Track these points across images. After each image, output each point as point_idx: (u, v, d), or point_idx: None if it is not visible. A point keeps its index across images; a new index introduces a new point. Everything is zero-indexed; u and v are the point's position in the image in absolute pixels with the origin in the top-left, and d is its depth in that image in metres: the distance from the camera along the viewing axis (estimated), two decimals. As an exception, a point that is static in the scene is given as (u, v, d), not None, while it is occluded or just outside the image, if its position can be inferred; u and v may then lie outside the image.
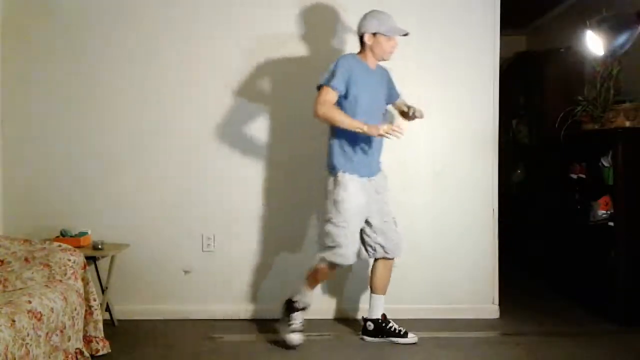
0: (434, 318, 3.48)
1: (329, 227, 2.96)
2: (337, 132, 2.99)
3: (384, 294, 3.15)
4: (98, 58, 3.52)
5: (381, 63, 3.10)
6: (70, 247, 2.88)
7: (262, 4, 3.52)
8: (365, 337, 3.16)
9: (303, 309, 3.08)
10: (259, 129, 3.54)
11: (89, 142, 3.53)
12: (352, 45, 3.26)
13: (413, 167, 3.50)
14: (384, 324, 3.12)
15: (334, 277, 3.25)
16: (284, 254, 3.56)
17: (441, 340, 3.14)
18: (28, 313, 2.28)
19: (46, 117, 3.53)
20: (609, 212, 3.54)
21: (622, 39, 2.68)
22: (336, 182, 2.97)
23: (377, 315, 3.14)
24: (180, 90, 3.53)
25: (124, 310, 3.46)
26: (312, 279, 3.07)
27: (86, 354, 2.73)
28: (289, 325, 3.04)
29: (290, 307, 3.08)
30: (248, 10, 3.52)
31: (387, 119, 3.24)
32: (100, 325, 2.88)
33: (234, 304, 3.53)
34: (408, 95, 3.24)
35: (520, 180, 5.14)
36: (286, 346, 3.01)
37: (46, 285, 2.59)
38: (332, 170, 3.01)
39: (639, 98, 3.58)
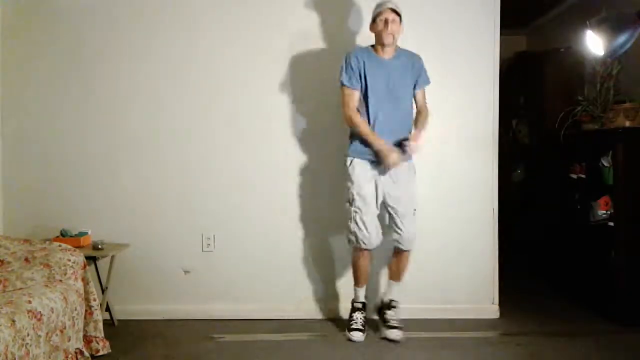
0: (434, 318, 3.47)
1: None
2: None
3: (396, 281, 3.26)
4: (98, 58, 3.52)
5: (401, 44, 3.18)
6: (70, 247, 2.88)
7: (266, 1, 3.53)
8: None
9: (358, 309, 3.22)
10: (259, 129, 3.53)
11: (89, 142, 3.53)
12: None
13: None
14: (385, 307, 3.24)
15: (367, 262, 3.24)
16: (284, 253, 3.55)
17: (441, 340, 3.14)
18: (28, 313, 2.28)
19: (46, 117, 3.53)
20: (609, 212, 3.53)
21: (622, 39, 2.68)
22: (345, 169, 3.14)
23: (386, 298, 3.26)
24: (179, 90, 3.53)
25: (124, 310, 3.46)
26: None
27: (86, 354, 2.74)
28: (350, 324, 3.18)
29: (351, 307, 3.26)
30: (249, 9, 3.53)
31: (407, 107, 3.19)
32: (100, 325, 2.88)
33: (234, 304, 3.53)
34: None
35: (520, 180, 5.14)
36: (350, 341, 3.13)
37: (46, 285, 2.59)
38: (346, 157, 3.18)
39: (639, 98, 3.58)
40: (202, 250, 3.55)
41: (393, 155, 3.00)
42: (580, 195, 3.91)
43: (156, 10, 3.52)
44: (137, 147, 3.53)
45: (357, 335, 3.12)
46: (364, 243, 3.10)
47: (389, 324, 3.14)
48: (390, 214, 3.15)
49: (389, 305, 3.22)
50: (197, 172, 3.54)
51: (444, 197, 3.53)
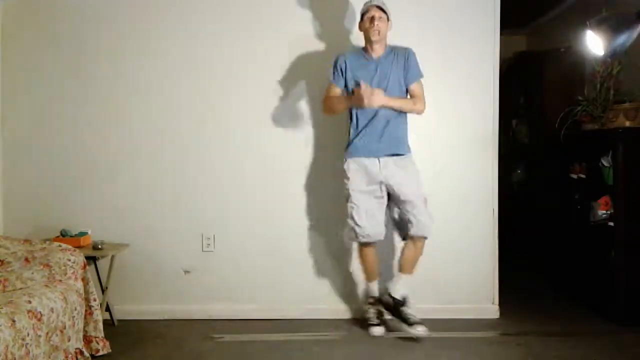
0: (434, 318, 3.46)
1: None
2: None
3: (406, 273, 3.16)
4: (98, 59, 3.52)
5: (401, 44, 3.18)
6: (70, 247, 2.88)
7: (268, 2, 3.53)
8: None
9: (370, 303, 3.24)
10: (258, 129, 3.53)
11: (88, 142, 3.53)
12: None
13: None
14: (398, 306, 3.15)
15: (372, 257, 3.24)
16: (284, 253, 3.55)
17: (441, 340, 3.13)
18: (28, 313, 2.28)
19: (46, 117, 3.53)
20: (609, 212, 3.53)
21: (622, 39, 2.68)
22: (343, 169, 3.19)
23: (396, 294, 3.15)
24: (179, 91, 3.53)
25: (124, 310, 3.46)
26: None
27: (86, 354, 2.74)
28: (368, 320, 3.22)
29: (367, 302, 3.30)
30: (250, 9, 3.53)
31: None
32: (100, 325, 2.89)
33: (234, 304, 3.53)
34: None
35: (520, 180, 5.14)
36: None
37: (46, 285, 2.59)
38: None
39: (639, 98, 3.58)
40: (202, 250, 3.55)
41: (365, 92, 2.93)
42: (580, 195, 3.91)
43: (156, 11, 3.52)
44: (137, 147, 3.53)
45: (375, 330, 3.16)
46: (362, 237, 3.13)
47: (410, 321, 3.09)
48: (399, 206, 3.13)
49: (403, 302, 3.14)
50: (197, 172, 3.54)
51: (443, 197, 3.52)
